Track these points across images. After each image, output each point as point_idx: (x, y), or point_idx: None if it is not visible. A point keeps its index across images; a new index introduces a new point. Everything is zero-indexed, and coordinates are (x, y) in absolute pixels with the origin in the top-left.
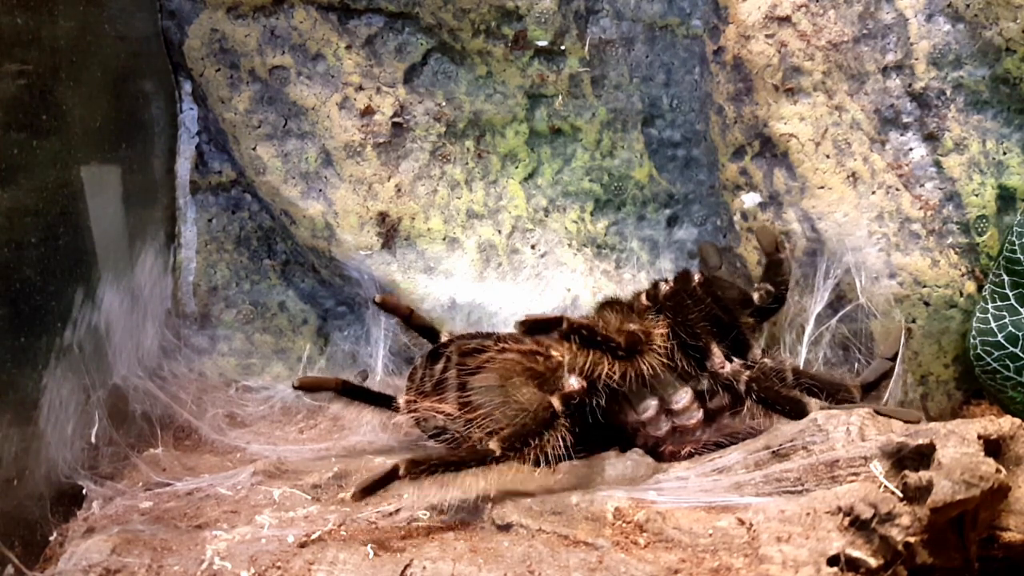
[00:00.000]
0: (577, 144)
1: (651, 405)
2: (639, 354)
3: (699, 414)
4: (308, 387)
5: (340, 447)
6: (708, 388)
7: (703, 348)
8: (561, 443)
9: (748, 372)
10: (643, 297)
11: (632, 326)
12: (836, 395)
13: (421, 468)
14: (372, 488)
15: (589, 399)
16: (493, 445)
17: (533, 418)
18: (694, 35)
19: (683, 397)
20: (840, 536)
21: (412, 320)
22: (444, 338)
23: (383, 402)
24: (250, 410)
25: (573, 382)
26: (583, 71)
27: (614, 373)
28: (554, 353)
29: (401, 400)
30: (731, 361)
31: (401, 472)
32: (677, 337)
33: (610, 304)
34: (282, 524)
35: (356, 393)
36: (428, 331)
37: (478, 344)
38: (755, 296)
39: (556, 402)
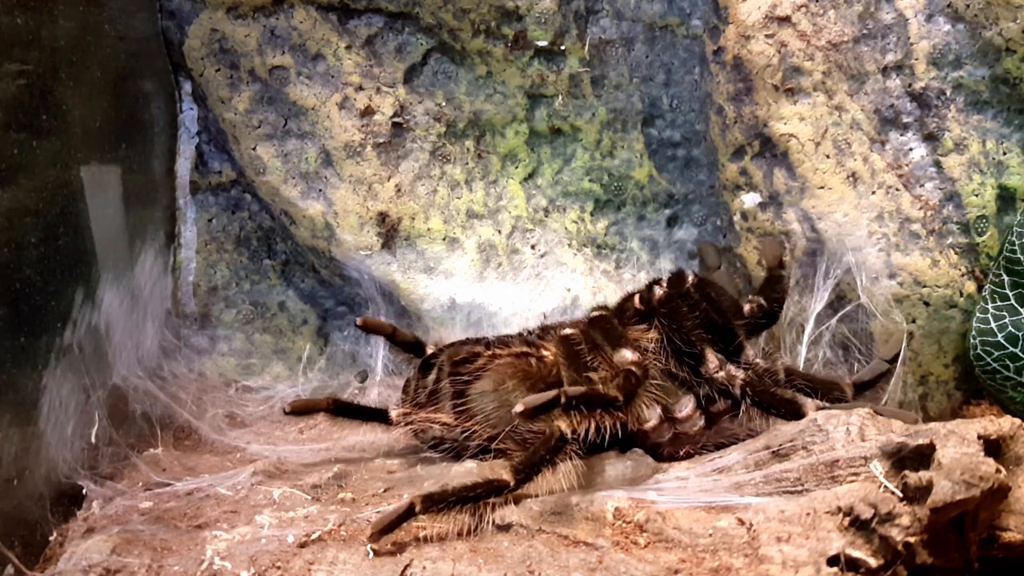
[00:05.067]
0: (577, 144)
1: (654, 415)
2: (637, 394)
3: (702, 422)
4: (300, 411)
5: (340, 447)
6: (707, 394)
7: (698, 354)
8: (571, 463)
9: (742, 376)
10: (636, 300)
11: (627, 355)
12: (829, 394)
13: (438, 505)
14: (389, 527)
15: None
16: (507, 476)
17: (544, 445)
18: (694, 35)
19: (686, 406)
20: (840, 536)
21: (396, 337)
22: (430, 350)
23: (376, 416)
24: (250, 410)
25: None
26: (583, 71)
27: (616, 422)
28: (545, 353)
29: (393, 414)
30: (726, 365)
31: (417, 509)
32: (672, 343)
33: (599, 321)
34: (282, 524)
35: (349, 410)
36: (413, 346)
37: (468, 352)
38: (745, 307)
39: (564, 425)
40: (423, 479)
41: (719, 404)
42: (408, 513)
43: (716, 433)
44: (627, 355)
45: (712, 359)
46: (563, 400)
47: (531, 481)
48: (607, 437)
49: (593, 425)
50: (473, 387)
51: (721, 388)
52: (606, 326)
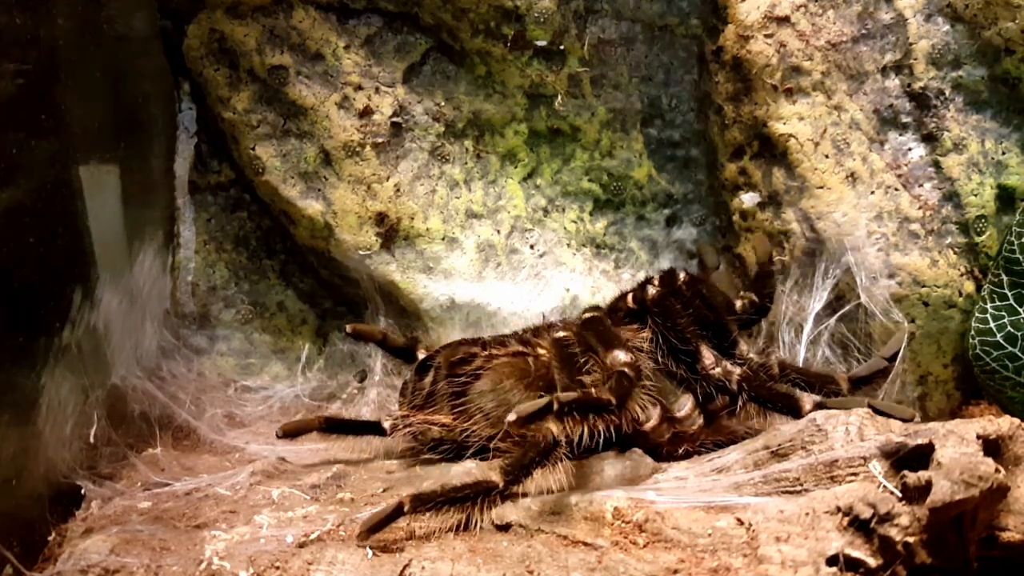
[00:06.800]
0: (576, 144)
1: (653, 415)
2: (631, 396)
3: (700, 420)
4: (292, 433)
5: (339, 447)
6: (705, 392)
7: (693, 351)
8: (561, 467)
9: (738, 371)
10: (629, 300)
11: (620, 356)
12: (823, 388)
13: (426, 504)
14: (378, 526)
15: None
16: (496, 477)
17: (535, 448)
18: (693, 35)
19: (685, 405)
20: (839, 536)
21: (387, 342)
22: (421, 354)
23: (371, 429)
24: (249, 410)
25: None
26: (582, 71)
27: (609, 425)
28: (541, 352)
29: (387, 424)
30: (722, 361)
31: (406, 509)
32: (667, 342)
33: (591, 322)
34: (281, 524)
35: (341, 427)
36: (404, 351)
37: (465, 353)
38: (737, 304)
39: (556, 430)
40: (422, 479)
41: (717, 401)
42: (397, 513)
43: (715, 431)
44: (620, 356)
45: (708, 355)
46: (556, 407)
47: (521, 483)
48: (601, 440)
49: (587, 430)
50: (472, 387)
51: (718, 384)
52: (599, 327)
